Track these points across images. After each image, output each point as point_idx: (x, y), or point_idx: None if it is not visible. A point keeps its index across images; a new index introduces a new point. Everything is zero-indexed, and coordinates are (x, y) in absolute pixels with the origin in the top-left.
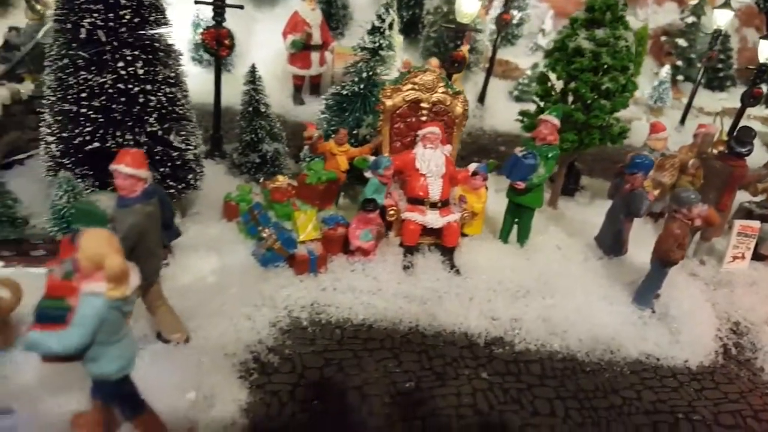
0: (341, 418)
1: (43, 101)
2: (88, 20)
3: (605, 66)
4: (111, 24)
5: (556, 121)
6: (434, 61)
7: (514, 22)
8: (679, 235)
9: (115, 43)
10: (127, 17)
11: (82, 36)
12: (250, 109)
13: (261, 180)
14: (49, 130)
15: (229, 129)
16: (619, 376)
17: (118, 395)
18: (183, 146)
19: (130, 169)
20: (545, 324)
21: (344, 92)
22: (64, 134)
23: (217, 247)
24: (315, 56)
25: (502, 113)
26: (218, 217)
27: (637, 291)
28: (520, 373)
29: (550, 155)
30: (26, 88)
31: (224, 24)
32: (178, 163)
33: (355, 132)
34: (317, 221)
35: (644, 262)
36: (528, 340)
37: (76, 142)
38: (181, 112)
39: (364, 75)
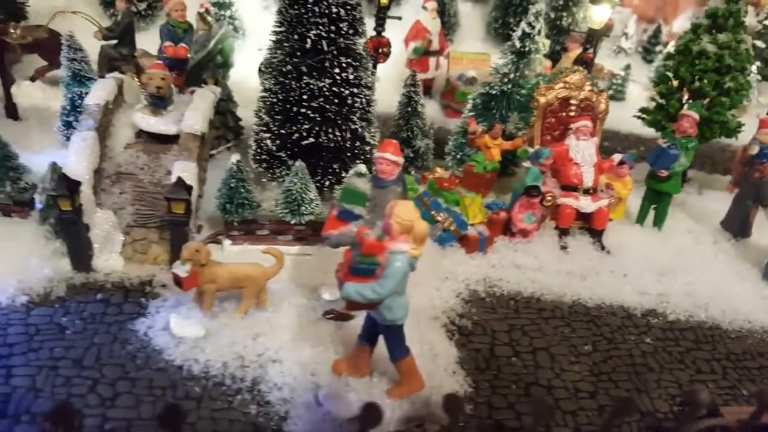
0: (539, 373)
1: (259, 103)
2: (314, 32)
3: (728, 66)
4: (332, 35)
5: (696, 116)
6: (547, 63)
7: None
8: None
9: (335, 52)
10: (344, 29)
11: (308, 46)
12: (409, 109)
13: (412, 172)
14: (264, 128)
15: None
16: (761, 341)
17: (398, 338)
18: (372, 142)
19: (393, 156)
20: (689, 298)
21: (492, 92)
22: (282, 131)
23: None
24: (432, 61)
25: None
26: None
27: (767, 268)
28: (678, 339)
29: (690, 146)
30: (214, 91)
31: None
32: (369, 156)
33: (502, 128)
34: (482, 206)
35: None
36: (677, 312)
37: (294, 138)
38: (372, 112)
39: (512, 76)
